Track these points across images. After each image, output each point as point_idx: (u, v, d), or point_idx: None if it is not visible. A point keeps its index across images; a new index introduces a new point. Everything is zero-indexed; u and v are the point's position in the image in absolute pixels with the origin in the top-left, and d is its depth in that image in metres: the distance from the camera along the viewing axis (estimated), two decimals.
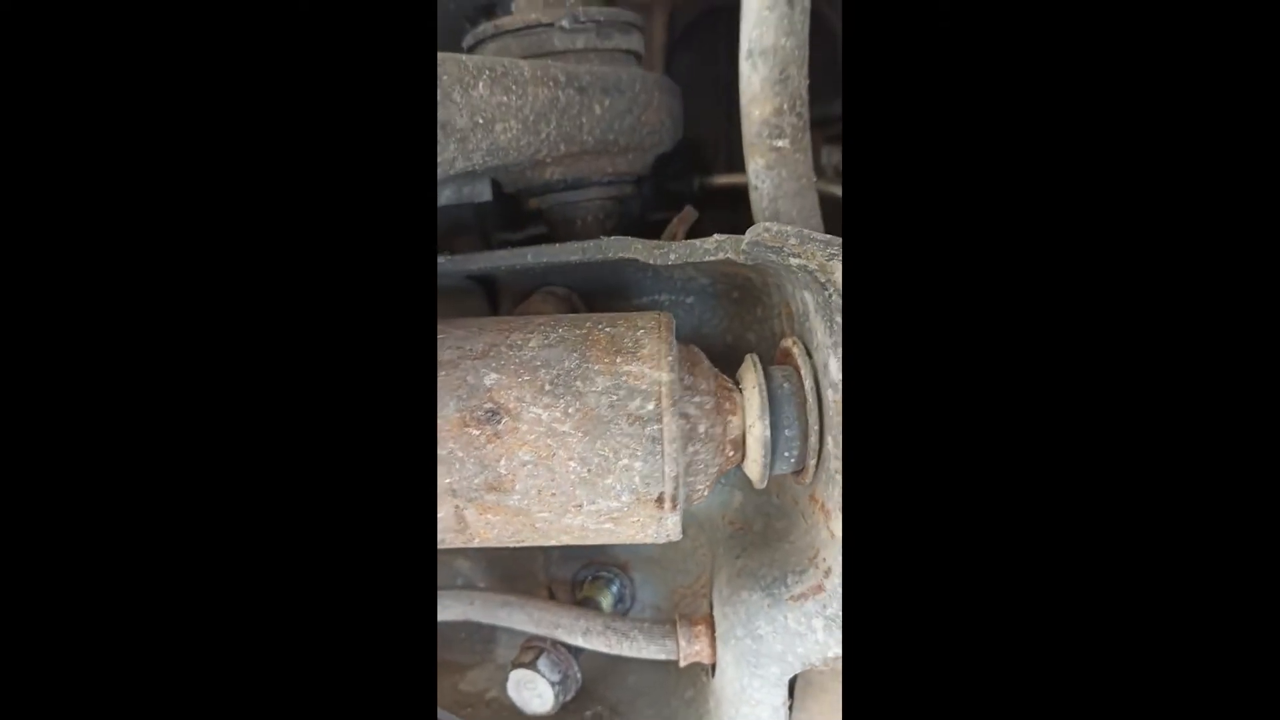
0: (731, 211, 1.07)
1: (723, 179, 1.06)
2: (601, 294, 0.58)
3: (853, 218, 0.31)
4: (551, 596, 0.66)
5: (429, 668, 0.31)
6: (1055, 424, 0.29)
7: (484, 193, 0.61)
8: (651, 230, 0.87)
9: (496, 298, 0.60)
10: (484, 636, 0.66)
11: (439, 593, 0.58)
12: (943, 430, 0.29)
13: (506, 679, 0.55)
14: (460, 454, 0.41)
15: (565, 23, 0.53)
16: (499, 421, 0.41)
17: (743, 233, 0.44)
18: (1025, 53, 0.29)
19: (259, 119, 0.30)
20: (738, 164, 1.20)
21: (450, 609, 0.57)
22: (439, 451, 0.41)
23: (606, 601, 0.62)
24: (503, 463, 0.41)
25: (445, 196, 0.58)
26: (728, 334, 0.57)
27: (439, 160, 0.43)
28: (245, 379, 0.30)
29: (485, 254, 0.50)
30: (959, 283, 0.29)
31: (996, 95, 0.29)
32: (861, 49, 0.30)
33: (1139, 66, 0.28)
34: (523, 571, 0.66)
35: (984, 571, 0.29)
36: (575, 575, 0.64)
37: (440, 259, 0.50)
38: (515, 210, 0.74)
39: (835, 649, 0.44)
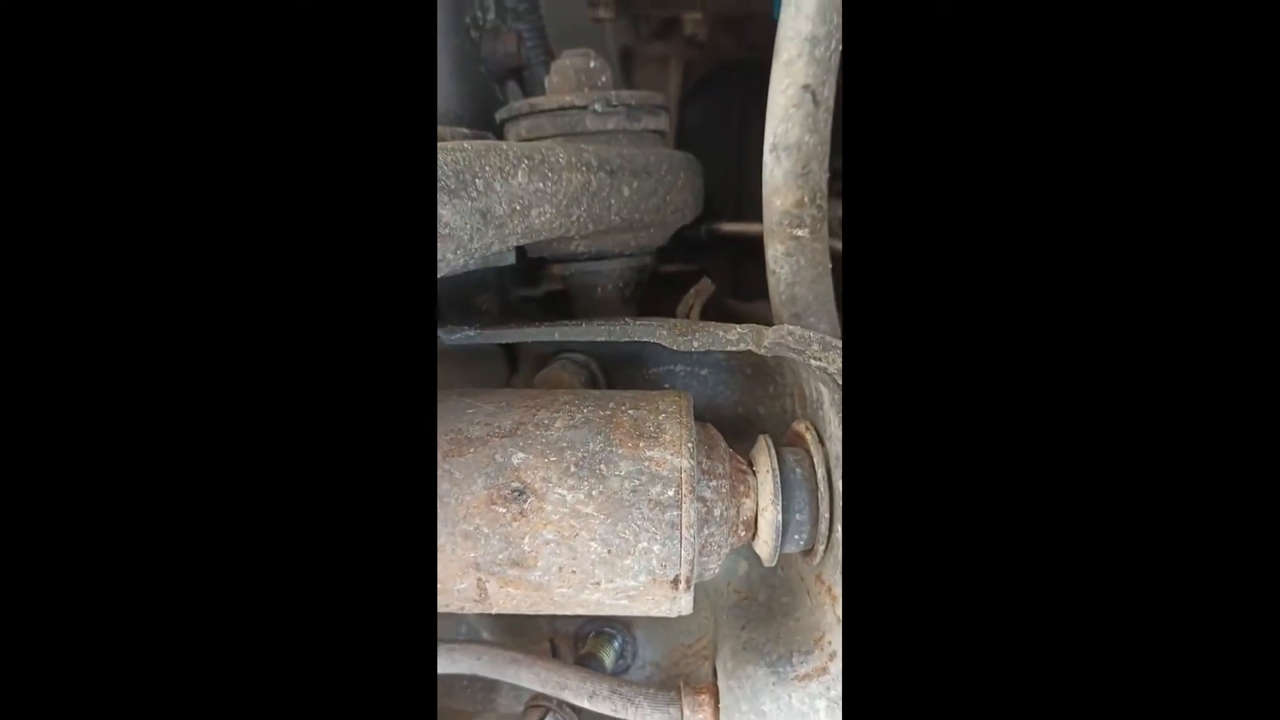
0: (737, 258, 1.10)
1: (730, 226, 1.09)
2: (619, 361, 0.60)
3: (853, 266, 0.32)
4: (554, 649, 0.67)
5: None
6: (1061, 512, 0.29)
7: (508, 257, 0.63)
8: (663, 283, 0.89)
9: (517, 359, 0.62)
10: (486, 685, 0.68)
11: (447, 645, 0.59)
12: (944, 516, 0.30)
13: None
14: (486, 530, 0.43)
15: (598, 106, 0.56)
16: (525, 500, 0.43)
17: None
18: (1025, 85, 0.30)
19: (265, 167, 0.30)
20: (745, 212, 1.23)
21: (459, 662, 0.58)
22: (465, 526, 0.43)
23: (609, 657, 0.64)
24: (526, 540, 0.43)
25: (475, 262, 0.59)
26: (739, 406, 0.60)
27: (477, 246, 0.45)
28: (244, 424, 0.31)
29: (513, 330, 0.52)
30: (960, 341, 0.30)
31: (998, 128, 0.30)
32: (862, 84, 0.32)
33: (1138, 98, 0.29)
34: (527, 624, 0.67)
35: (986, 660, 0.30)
36: (579, 630, 0.66)
37: (469, 332, 0.52)
38: (534, 268, 0.76)
39: None
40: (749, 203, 1.19)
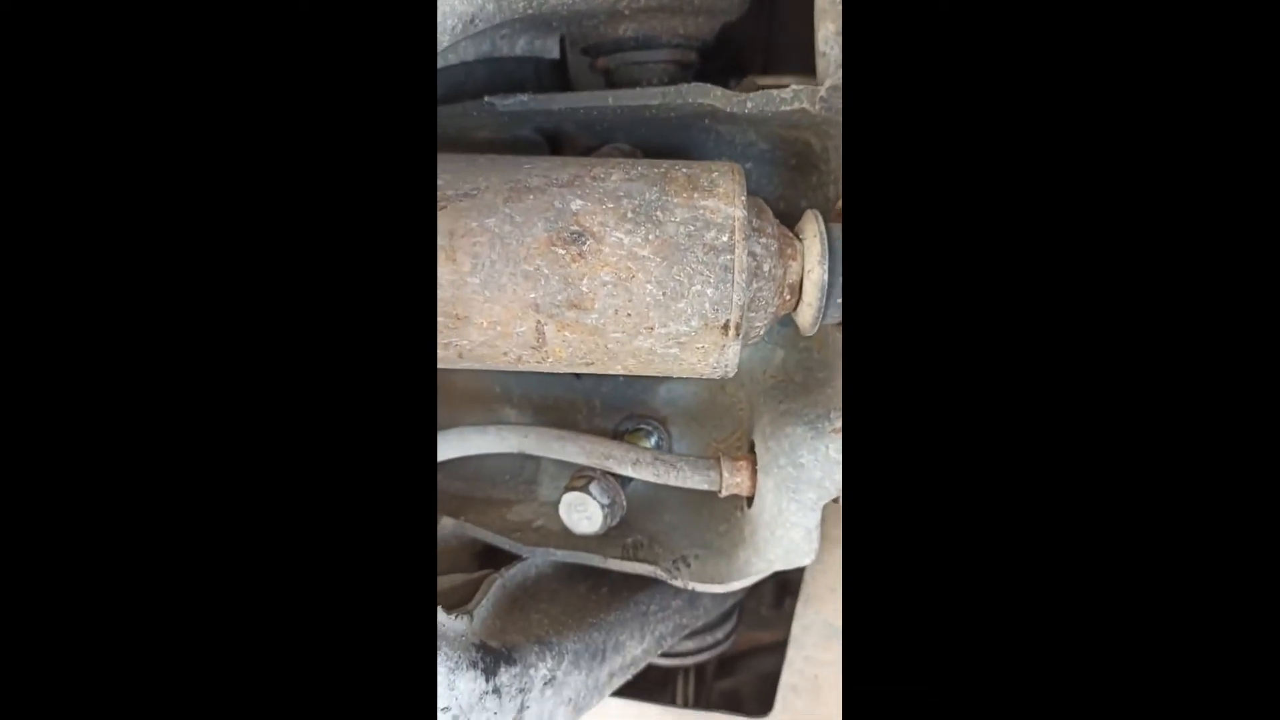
0: None
1: (762, 80, 1.07)
2: (664, 154, 0.60)
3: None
4: None
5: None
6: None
7: (552, 49, 0.63)
8: None
9: (560, 153, 0.63)
10: (527, 478, 0.71)
11: (495, 427, 0.62)
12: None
13: (556, 506, 0.60)
14: (546, 270, 0.45)
15: None
16: (584, 243, 0.45)
17: None
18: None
19: None
20: (775, 66, 1.20)
21: (508, 440, 0.61)
22: (526, 267, 0.45)
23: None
24: (585, 282, 0.45)
25: (520, 47, 0.59)
26: (782, 200, 0.60)
27: None
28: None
29: (567, 95, 0.52)
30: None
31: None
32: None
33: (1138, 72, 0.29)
34: (565, 421, 0.70)
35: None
36: (617, 426, 0.69)
37: (522, 97, 0.52)
38: (567, 84, 0.76)
39: None
40: (780, 57, 1.16)
